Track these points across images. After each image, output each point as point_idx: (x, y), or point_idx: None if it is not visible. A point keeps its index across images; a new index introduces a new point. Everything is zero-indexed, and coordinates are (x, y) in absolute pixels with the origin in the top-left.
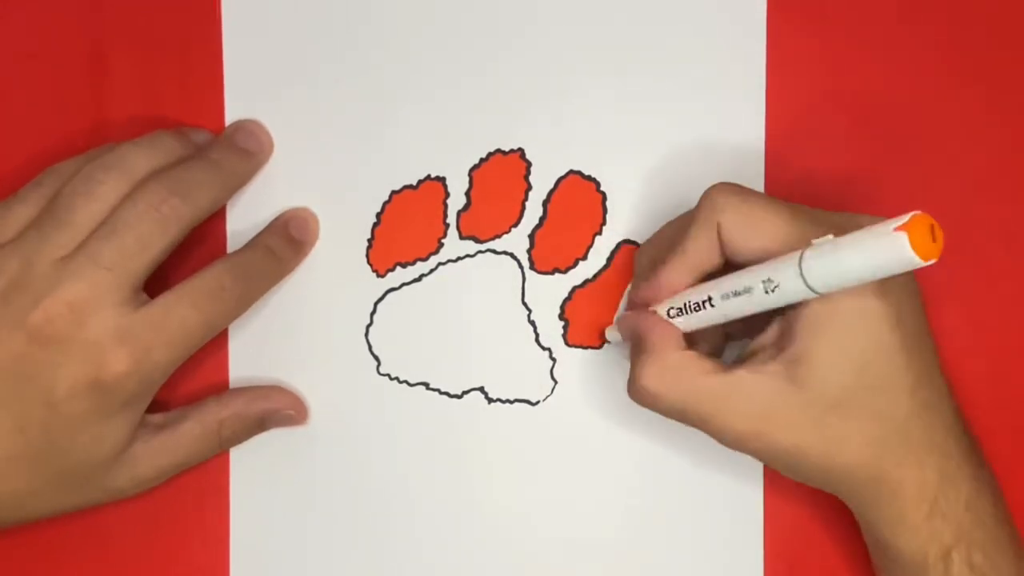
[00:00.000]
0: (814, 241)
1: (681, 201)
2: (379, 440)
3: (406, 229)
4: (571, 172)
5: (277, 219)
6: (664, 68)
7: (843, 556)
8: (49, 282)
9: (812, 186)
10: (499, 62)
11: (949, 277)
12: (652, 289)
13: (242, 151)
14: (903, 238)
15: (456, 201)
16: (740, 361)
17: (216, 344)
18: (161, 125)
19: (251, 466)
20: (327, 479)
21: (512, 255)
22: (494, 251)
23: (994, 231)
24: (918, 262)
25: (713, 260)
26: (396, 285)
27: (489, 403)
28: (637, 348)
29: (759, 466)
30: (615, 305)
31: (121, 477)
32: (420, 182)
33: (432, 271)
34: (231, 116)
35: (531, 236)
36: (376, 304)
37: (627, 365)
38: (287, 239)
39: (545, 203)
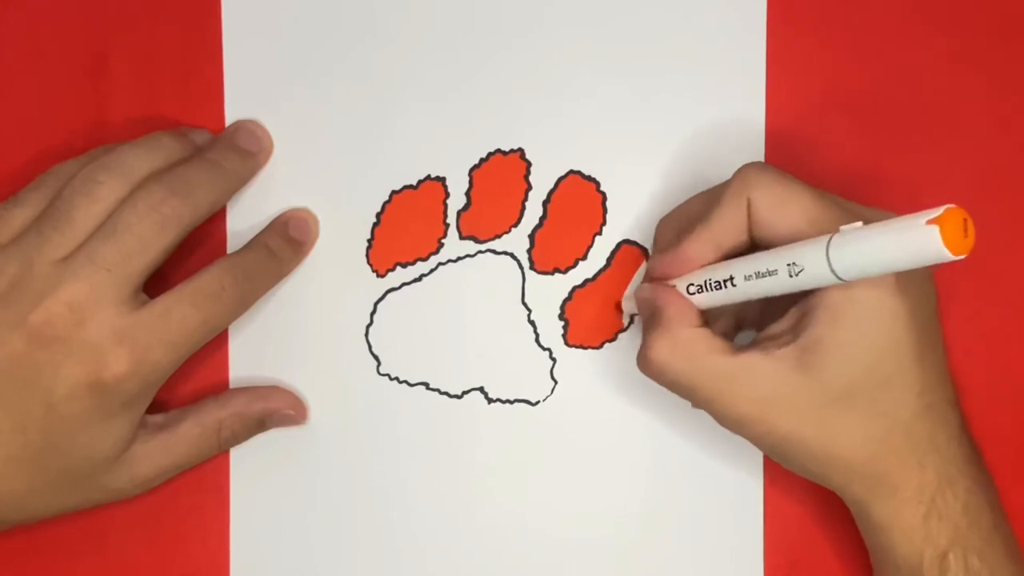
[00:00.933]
0: (843, 227)
1: (681, 201)
2: (379, 440)
3: (406, 229)
4: (571, 172)
5: (277, 219)
6: (664, 68)
7: (843, 555)
8: (49, 283)
9: (812, 185)
10: (499, 62)
11: (950, 277)
12: (673, 261)
13: (242, 151)
14: (935, 231)
15: (456, 201)
16: (753, 345)
17: (216, 344)
18: (161, 126)
19: (251, 466)
20: (327, 479)
21: (512, 255)
22: (494, 251)
23: (995, 231)
24: (948, 256)
25: (739, 236)
26: (396, 285)
27: (489, 403)
28: (652, 320)
29: (760, 465)
30: (615, 305)
31: (121, 477)
32: (420, 182)
33: (432, 271)
34: (231, 116)
35: (531, 236)
36: (376, 304)
37: (627, 366)
38: (287, 239)
39: (545, 203)
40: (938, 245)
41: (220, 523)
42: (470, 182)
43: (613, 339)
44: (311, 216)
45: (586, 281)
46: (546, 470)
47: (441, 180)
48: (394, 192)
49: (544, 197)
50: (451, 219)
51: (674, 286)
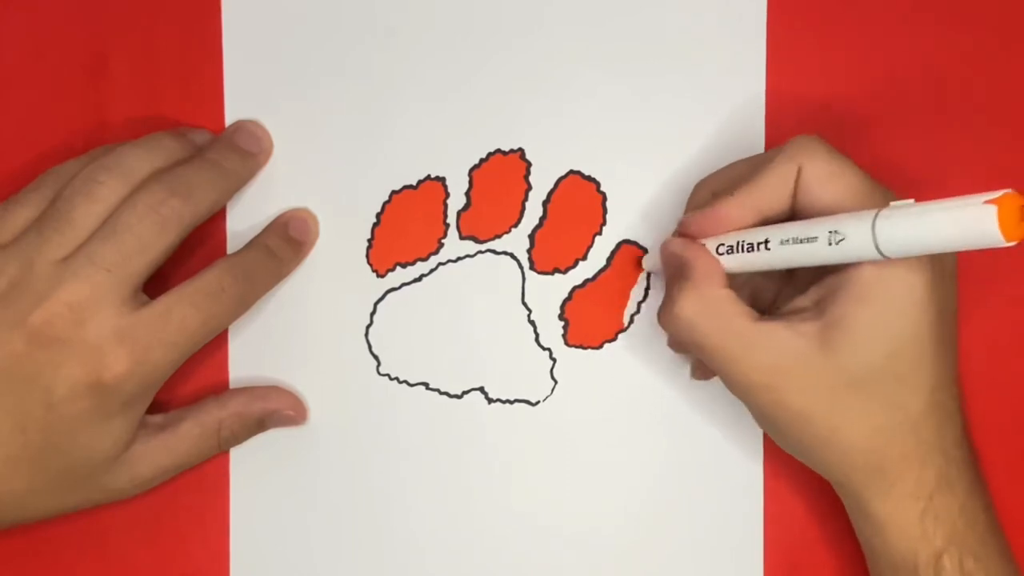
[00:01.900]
0: (893, 203)
1: (681, 201)
2: (379, 440)
3: (406, 229)
4: (571, 172)
5: (277, 219)
6: (664, 68)
7: (843, 555)
8: (49, 283)
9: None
10: (499, 62)
11: None
12: (710, 219)
13: (242, 151)
14: (992, 211)
15: (456, 201)
16: (777, 316)
17: (216, 344)
18: (161, 126)
19: (251, 466)
20: (327, 479)
21: (512, 255)
22: (494, 251)
23: None
24: (1000, 240)
25: (782, 203)
26: (396, 285)
27: (489, 403)
28: (678, 275)
29: (760, 465)
30: (615, 305)
31: (121, 477)
32: (420, 182)
33: (432, 271)
34: (231, 116)
35: (531, 236)
36: (376, 304)
37: (627, 366)
38: (287, 239)
39: (545, 203)
40: (993, 227)
41: (220, 523)
42: (470, 182)
43: (613, 339)
44: (311, 216)
45: (586, 281)
46: (546, 470)
47: (441, 180)
48: (394, 192)
49: (544, 197)
50: (451, 219)
51: (704, 244)
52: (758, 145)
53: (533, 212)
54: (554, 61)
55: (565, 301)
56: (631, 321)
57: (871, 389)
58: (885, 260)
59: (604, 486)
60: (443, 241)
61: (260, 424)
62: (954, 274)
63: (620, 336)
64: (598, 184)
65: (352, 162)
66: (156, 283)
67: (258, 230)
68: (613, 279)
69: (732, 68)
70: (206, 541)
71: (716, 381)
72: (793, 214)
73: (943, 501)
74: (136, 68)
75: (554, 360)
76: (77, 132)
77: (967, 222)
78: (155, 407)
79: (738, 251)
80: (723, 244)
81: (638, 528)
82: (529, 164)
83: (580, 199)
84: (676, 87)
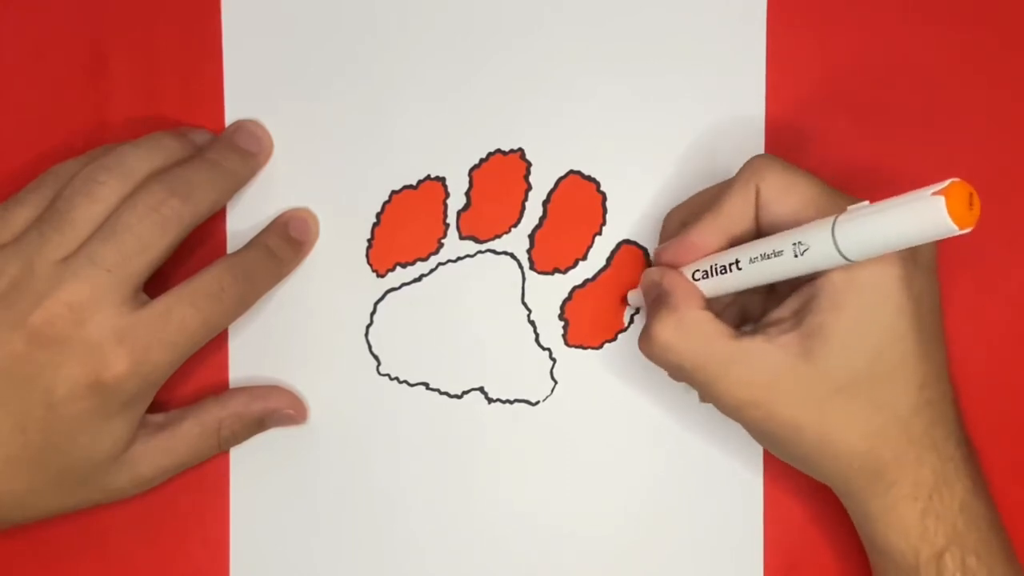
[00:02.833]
0: (850, 207)
1: (681, 201)
2: (379, 440)
3: (406, 229)
4: (571, 172)
5: (277, 219)
6: (664, 68)
7: (843, 556)
8: (49, 283)
9: None
10: (499, 62)
11: (950, 275)
12: (681, 247)
13: (242, 151)
14: (940, 202)
15: (456, 201)
16: (755, 331)
17: (216, 344)
18: (161, 126)
19: (251, 466)
20: (327, 479)
21: (512, 255)
22: (494, 251)
23: (995, 228)
24: (954, 229)
25: (746, 223)
26: (396, 285)
27: (489, 403)
28: (657, 302)
29: (760, 465)
30: (615, 305)
31: (121, 477)
32: (420, 182)
33: (432, 271)
34: (231, 116)
35: (531, 236)
36: (376, 304)
37: (627, 366)
38: (287, 239)
39: (545, 203)
40: (944, 217)
41: (220, 523)
42: (470, 182)
43: (613, 339)
44: (311, 216)
45: (586, 281)
46: (546, 470)
47: (441, 180)
48: (394, 192)
49: (544, 197)
50: (451, 219)
51: (680, 272)
52: (758, 145)
53: (533, 212)
54: (554, 61)
55: (565, 301)
56: (631, 321)
57: (857, 393)
58: (853, 263)
59: (604, 486)
60: (443, 241)
61: (260, 424)
62: (932, 267)
63: (620, 336)
64: (598, 184)
65: (352, 162)
66: (156, 283)
67: (258, 230)
68: (613, 279)
69: (732, 68)
70: (206, 541)
71: None
72: (760, 232)
73: (943, 500)
74: (136, 68)
75: (554, 360)
76: (77, 132)
77: (919, 216)
78: (155, 407)
79: (713, 275)
80: (698, 270)
81: (638, 528)
82: (529, 164)
83: (580, 199)
84: (676, 87)
